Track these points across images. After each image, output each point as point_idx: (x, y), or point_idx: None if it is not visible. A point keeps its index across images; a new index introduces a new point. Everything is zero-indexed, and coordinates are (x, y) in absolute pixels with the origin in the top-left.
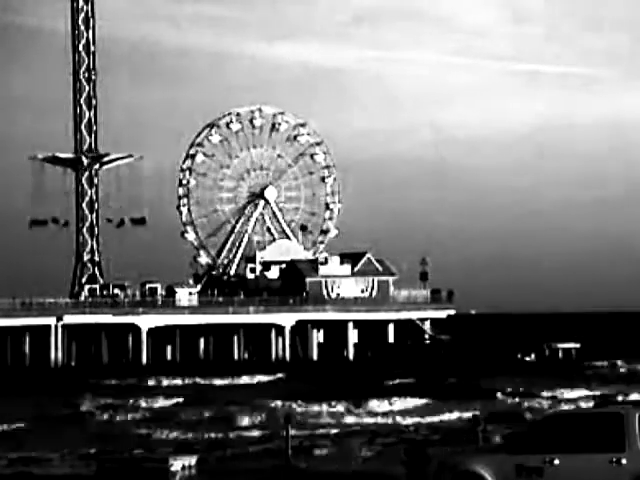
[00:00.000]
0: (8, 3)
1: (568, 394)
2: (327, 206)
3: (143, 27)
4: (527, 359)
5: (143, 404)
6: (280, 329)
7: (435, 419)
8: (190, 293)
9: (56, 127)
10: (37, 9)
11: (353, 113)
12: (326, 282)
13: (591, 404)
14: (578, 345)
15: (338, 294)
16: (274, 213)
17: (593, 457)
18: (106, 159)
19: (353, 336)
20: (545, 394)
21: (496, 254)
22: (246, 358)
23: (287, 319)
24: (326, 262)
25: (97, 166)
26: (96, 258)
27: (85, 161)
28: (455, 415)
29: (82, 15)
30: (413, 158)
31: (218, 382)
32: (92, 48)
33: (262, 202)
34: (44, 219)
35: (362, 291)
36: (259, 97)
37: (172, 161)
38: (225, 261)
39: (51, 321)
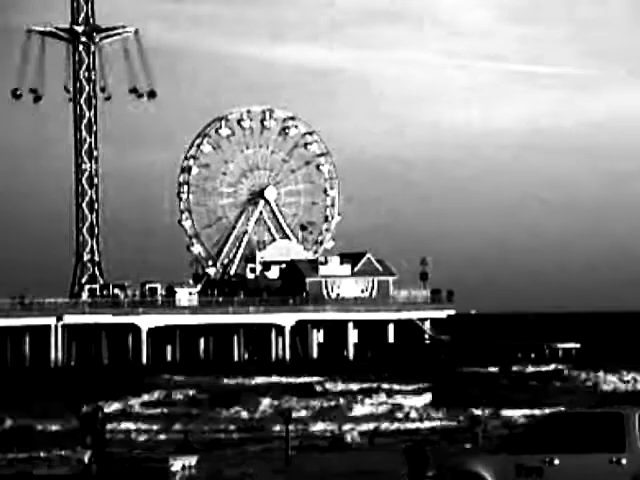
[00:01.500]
0: (8, 3)
1: None
2: (326, 218)
3: (143, 27)
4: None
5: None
6: (280, 329)
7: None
8: (190, 293)
9: (56, 127)
10: (37, 9)
11: (352, 113)
12: (326, 282)
13: None
14: (578, 345)
15: (338, 294)
16: (274, 213)
17: (593, 457)
18: (104, 34)
19: (353, 336)
20: None
21: (496, 254)
22: (246, 358)
23: (287, 319)
24: (326, 262)
25: (95, 40)
26: (96, 258)
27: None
28: None
29: (82, 15)
30: (412, 158)
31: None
32: (92, 48)
33: (262, 202)
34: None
35: (362, 291)
36: (258, 97)
37: (171, 162)
38: (225, 261)
39: (51, 321)
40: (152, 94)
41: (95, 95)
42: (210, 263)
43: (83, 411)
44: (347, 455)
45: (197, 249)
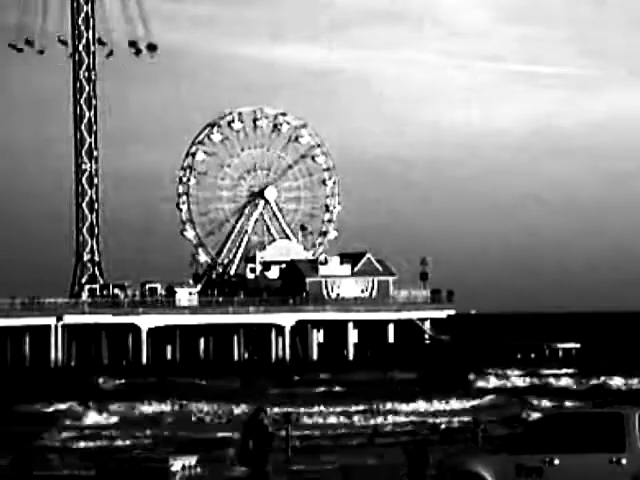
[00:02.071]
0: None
1: None
2: (327, 208)
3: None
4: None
5: None
6: (280, 329)
7: None
8: (190, 293)
9: (56, 128)
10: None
11: (352, 113)
12: (326, 282)
13: None
14: (578, 345)
15: (338, 294)
16: (274, 213)
17: (593, 457)
18: None
19: (353, 336)
20: None
21: (496, 254)
22: (246, 358)
23: (287, 319)
24: (326, 262)
25: None
26: (96, 258)
27: None
28: None
29: (82, 15)
30: (412, 158)
31: None
32: (92, 48)
33: (262, 202)
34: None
35: (362, 291)
36: (258, 98)
37: (171, 162)
38: (225, 261)
39: (51, 321)
40: (152, 47)
41: (94, 52)
42: (200, 250)
43: (247, 414)
44: (347, 455)
45: (190, 234)
